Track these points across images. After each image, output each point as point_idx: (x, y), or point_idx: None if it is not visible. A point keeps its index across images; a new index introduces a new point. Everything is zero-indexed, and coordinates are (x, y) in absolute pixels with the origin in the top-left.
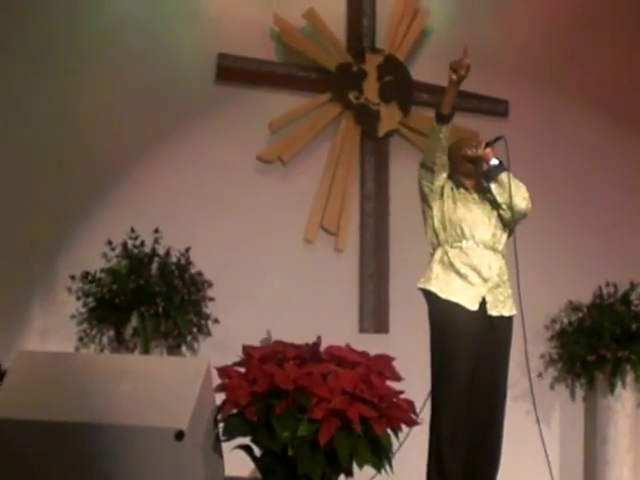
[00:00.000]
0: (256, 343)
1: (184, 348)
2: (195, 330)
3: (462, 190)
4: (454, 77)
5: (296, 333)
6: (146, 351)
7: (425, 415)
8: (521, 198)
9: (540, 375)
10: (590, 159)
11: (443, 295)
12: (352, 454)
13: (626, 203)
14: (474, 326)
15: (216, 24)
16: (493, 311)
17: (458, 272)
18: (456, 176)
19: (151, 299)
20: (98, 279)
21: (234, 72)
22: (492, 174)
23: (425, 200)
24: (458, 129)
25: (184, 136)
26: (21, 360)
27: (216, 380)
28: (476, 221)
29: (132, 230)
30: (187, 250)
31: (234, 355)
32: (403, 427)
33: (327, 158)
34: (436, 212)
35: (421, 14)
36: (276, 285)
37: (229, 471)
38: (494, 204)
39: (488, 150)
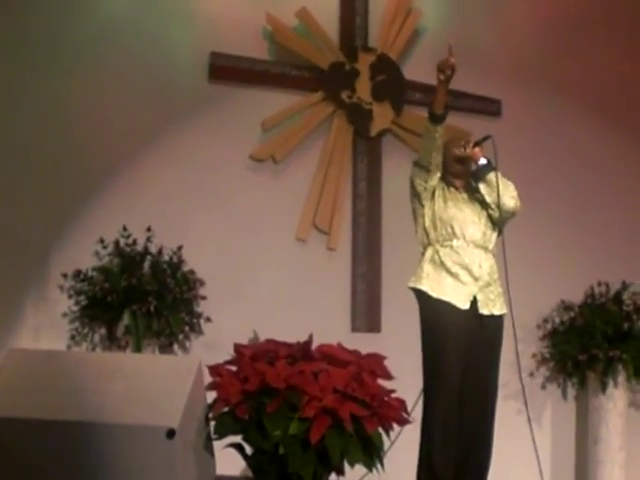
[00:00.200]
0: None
1: (176, 347)
2: (187, 329)
3: (452, 189)
4: (441, 77)
5: (288, 332)
6: (138, 349)
7: (417, 414)
8: (509, 197)
9: (532, 374)
10: (583, 158)
11: (434, 294)
12: (343, 453)
13: (618, 203)
14: (465, 325)
15: (209, 23)
16: (484, 310)
17: (449, 271)
18: (446, 176)
19: (143, 297)
20: (90, 277)
21: (227, 71)
22: (480, 174)
23: (417, 199)
24: (451, 128)
25: (177, 135)
26: (12, 358)
27: (208, 378)
28: (466, 220)
29: (124, 228)
30: (179, 248)
31: (226, 354)
32: (394, 426)
33: (320, 157)
34: (427, 211)
35: (414, 13)
36: (268, 284)
37: (220, 469)
38: (483, 204)
39: (476, 150)
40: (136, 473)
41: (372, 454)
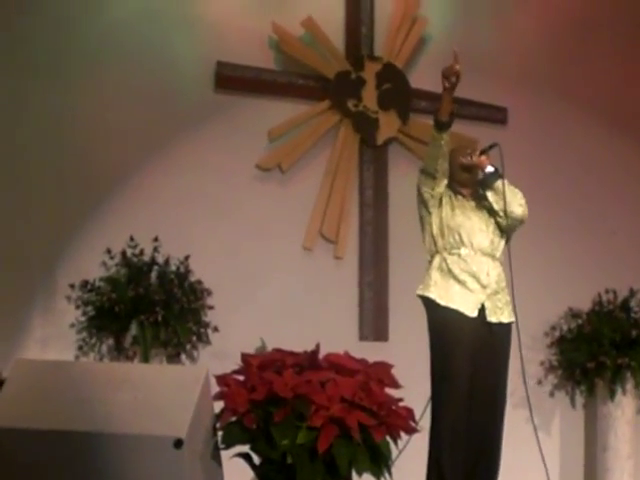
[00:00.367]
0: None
1: (183, 356)
2: (194, 338)
3: (460, 197)
4: (446, 84)
5: (295, 341)
6: (145, 360)
7: (425, 422)
8: (517, 205)
9: (540, 382)
10: (589, 166)
11: (442, 302)
12: (351, 462)
13: (625, 210)
14: (473, 332)
15: (215, 32)
16: (492, 317)
17: (457, 279)
18: (452, 184)
19: (150, 308)
20: (97, 288)
21: (233, 80)
22: (488, 181)
23: (424, 206)
24: (457, 136)
25: (183, 144)
26: (19, 369)
27: (215, 388)
28: (474, 228)
29: (131, 239)
30: (186, 258)
31: (233, 363)
32: (402, 435)
33: (326, 166)
34: (434, 219)
35: (419, 22)
36: (275, 293)
37: (228, 479)
38: (491, 211)
39: (483, 158)
40: None
41: (380, 463)
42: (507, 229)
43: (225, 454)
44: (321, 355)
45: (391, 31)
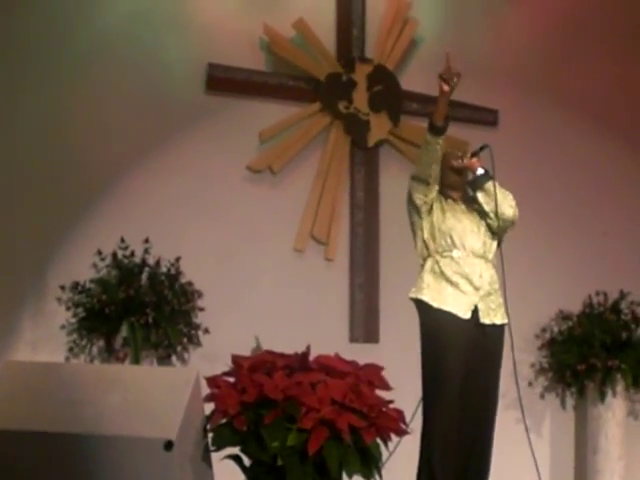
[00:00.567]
0: (247, 353)
1: (174, 358)
2: (185, 340)
3: (450, 201)
4: (446, 88)
5: (286, 343)
6: (136, 361)
7: (415, 424)
8: (508, 206)
9: (530, 384)
10: (580, 168)
11: (435, 304)
12: (341, 464)
13: (616, 212)
14: (466, 334)
15: (206, 34)
16: (485, 319)
17: (449, 281)
18: (442, 188)
19: (141, 309)
20: (88, 289)
21: (224, 82)
22: (478, 183)
23: (416, 212)
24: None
25: (174, 146)
26: (9, 370)
27: (205, 390)
28: (465, 230)
29: (122, 240)
30: (177, 260)
31: (224, 365)
32: (393, 437)
33: (317, 168)
34: (425, 224)
35: (411, 24)
36: (266, 295)
37: None
38: (482, 213)
39: (474, 160)
40: None
41: (370, 465)
42: (498, 231)
43: (215, 456)
44: (312, 357)
45: (382, 33)
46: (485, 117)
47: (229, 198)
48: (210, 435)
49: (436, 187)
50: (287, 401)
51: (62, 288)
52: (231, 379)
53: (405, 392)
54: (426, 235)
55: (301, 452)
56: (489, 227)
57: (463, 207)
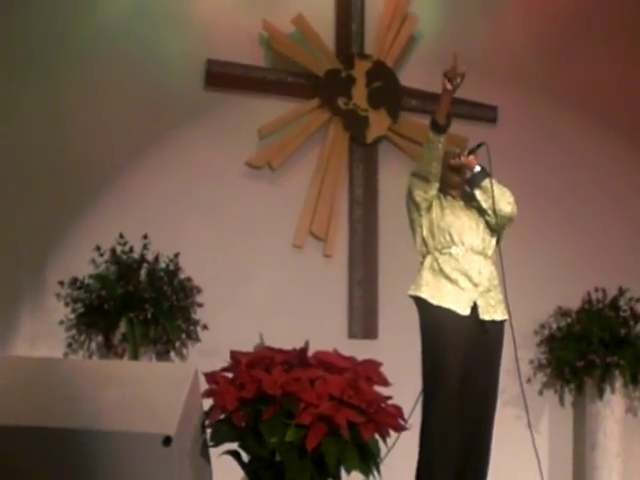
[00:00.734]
0: (245, 349)
1: (173, 354)
2: (184, 336)
3: (449, 198)
4: (449, 86)
5: (285, 339)
6: (135, 357)
7: (413, 420)
8: (506, 203)
9: (529, 380)
10: (579, 164)
11: (434, 301)
12: (340, 459)
13: (615, 208)
14: (466, 331)
15: (205, 30)
16: (485, 315)
17: (448, 277)
18: (441, 185)
19: (140, 305)
20: (87, 285)
21: (223, 78)
22: (476, 181)
23: (416, 209)
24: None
25: (173, 142)
26: (7, 365)
27: (204, 386)
28: (464, 227)
29: (121, 236)
30: (176, 256)
31: (223, 361)
32: (391, 432)
33: (316, 164)
34: (424, 221)
35: (410, 20)
36: (265, 291)
37: (217, 477)
38: (481, 211)
39: (471, 157)
40: None
41: (369, 461)
42: (497, 228)
43: (214, 451)
44: (310, 353)
45: (381, 29)
46: (484, 114)
47: (228, 194)
48: (209, 431)
49: (436, 184)
50: (285, 397)
51: (61, 284)
52: (230, 375)
53: (404, 388)
54: (425, 232)
55: (299, 448)
56: (488, 224)
57: (462, 204)
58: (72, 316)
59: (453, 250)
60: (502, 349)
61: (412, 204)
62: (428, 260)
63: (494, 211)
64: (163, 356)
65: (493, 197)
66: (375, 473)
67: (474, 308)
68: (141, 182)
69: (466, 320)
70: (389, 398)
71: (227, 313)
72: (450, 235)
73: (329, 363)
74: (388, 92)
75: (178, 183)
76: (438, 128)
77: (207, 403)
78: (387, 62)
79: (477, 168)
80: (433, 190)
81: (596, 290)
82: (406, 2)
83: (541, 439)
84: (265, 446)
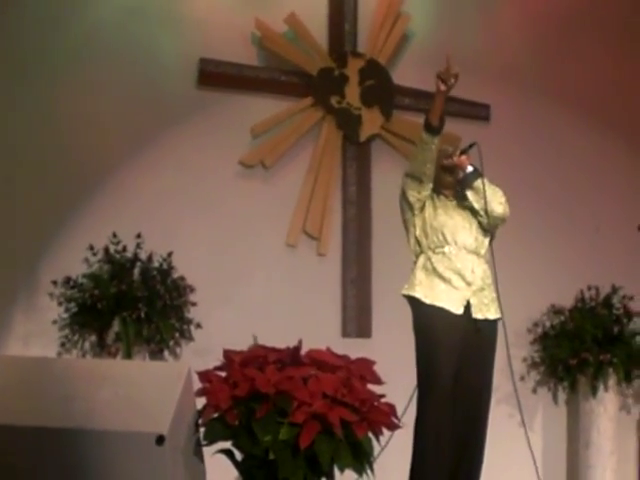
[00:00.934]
0: (239, 347)
1: (166, 353)
2: (177, 335)
3: (442, 197)
4: (443, 87)
5: (278, 337)
6: (128, 356)
7: (407, 419)
8: (497, 203)
9: (522, 379)
10: (572, 162)
11: (427, 300)
12: (333, 458)
13: (608, 207)
14: (459, 330)
15: (198, 29)
16: (478, 314)
17: (441, 276)
18: (434, 185)
19: (133, 304)
20: (80, 284)
21: (216, 77)
22: (468, 181)
23: (409, 209)
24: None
25: (166, 141)
26: (0, 365)
27: (197, 384)
28: (457, 226)
29: (114, 235)
30: (169, 255)
31: (216, 360)
32: (385, 431)
33: (309, 163)
34: (417, 221)
35: (403, 18)
36: (258, 290)
37: (210, 476)
38: (473, 210)
39: (463, 158)
40: None
41: (362, 459)
42: (489, 228)
43: (207, 450)
44: (303, 351)
45: (374, 28)
46: (477, 112)
47: (221, 193)
48: (202, 429)
49: (430, 185)
50: (279, 395)
51: (54, 283)
52: (223, 373)
53: (397, 386)
54: (418, 232)
55: (293, 446)
56: (481, 223)
57: (455, 203)
58: (65, 315)
59: (446, 249)
60: (495, 348)
61: (406, 204)
62: (421, 259)
63: (486, 212)
64: (156, 355)
65: (485, 198)
66: (368, 472)
67: (467, 307)
68: (134, 181)
69: (459, 319)
70: (382, 396)
71: (220, 312)
72: (443, 234)
73: (322, 362)
74: (381, 90)
75: (171, 182)
76: (432, 129)
77: (200, 402)
78: (380, 60)
79: (469, 168)
80: (427, 190)
81: (589, 288)
82: (399, 1)
83: (535, 437)
84: (258, 445)
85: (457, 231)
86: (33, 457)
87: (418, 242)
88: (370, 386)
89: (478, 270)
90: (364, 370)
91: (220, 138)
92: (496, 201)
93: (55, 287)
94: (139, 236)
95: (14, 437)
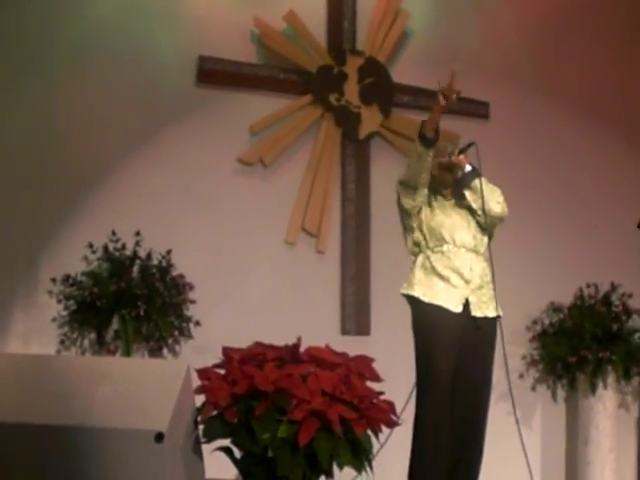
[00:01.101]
0: (238, 345)
1: (165, 351)
2: (176, 333)
3: (439, 197)
4: (443, 102)
5: (277, 335)
6: (127, 354)
7: (406, 416)
8: (495, 202)
9: (521, 376)
10: (571, 160)
11: (426, 299)
12: (332, 455)
13: (607, 204)
14: (458, 328)
15: (197, 27)
16: (477, 312)
17: (440, 275)
18: (431, 185)
19: (132, 302)
20: (79, 282)
21: (215, 74)
22: (466, 180)
23: (406, 214)
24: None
25: (165, 139)
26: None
27: (196, 382)
28: (455, 225)
29: (113, 233)
30: (168, 252)
31: (216, 357)
32: (384, 428)
33: (308, 160)
34: (415, 222)
35: (402, 16)
36: (257, 287)
37: (209, 473)
38: (471, 209)
39: (462, 157)
40: (125, 477)
41: (361, 457)
42: (487, 227)
43: (206, 448)
44: (302, 349)
45: (373, 25)
46: (476, 110)
47: (220, 191)
48: (201, 427)
49: (425, 191)
50: (278, 393)
51: (53, 281)
52: (222, 371)
53: (396, 384)
54: (416, 233)
55: (292, 444)
56: (479, 222)
57: (452, 202)
58: (65, 313)
59: (445, 248)
60: (495, 345)
61: (401, 210)
62: (420, 259)
63: (483, 211)
64: (155, 353)
65: (482, 198)
66: (367, 469)
67: (466, 305)
68: (133, 179)
69: (458, 317)
70: (381, 394)
71: (219, 309)
72: (441, 234)
73: (321, 359)
74: (380, 88)
75: (170, 180)
76: (426, 141)
77: (199, 399)
78: (379, 58)
79: (468, 168)
80: (422, 197)
81: (588, 286)
82: None
83: (534, 435)
84: (257, 442)
85: (455, 230)
86: (33, 455)
87: (416, 242)
88: (369, 383)
89: (477, 268)
90: (363, 367)
91: (219, 136)
92: (494, 200)
93: (54, 285)
94: (138, 234)
95: (13, 435)
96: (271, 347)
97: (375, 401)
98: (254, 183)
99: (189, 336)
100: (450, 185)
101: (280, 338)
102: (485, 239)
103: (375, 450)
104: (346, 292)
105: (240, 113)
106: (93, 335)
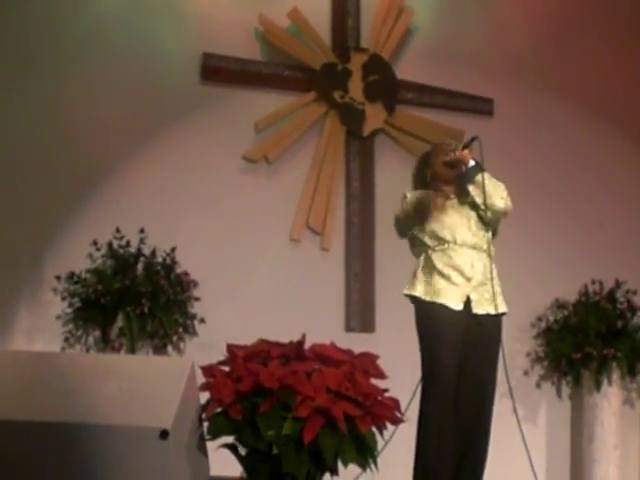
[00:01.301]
0: (242, 342)
1: (170, 348)
2: (181, 330)
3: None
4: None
5: (282, 332)
6: (132, 351)
7: (410, 413)
8: (499, 197)
9: (526, 373)
10: (576, 157)
11: (427, 298)
12: (337, 452)
13: (612, 201)
14: (460, 326)
15: (201, 24)
16: (479, 309)
17: (441, 273)
18: (435, 183)
19: (137, 299)
20: (84, 279)
21: (219, 72)
22: (470, 176)
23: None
24: (442, 127)
25: (169, 136)
26: (3, 360)
27: (201, 379)
28: (455, 224)
29: (117, 230)
30: (173, 250)
31: (220, 355)
32: (388, 425)
33: (312, 157)
34: (415, 230)
35: (406, 13)
36: (262, 284)
37: (214, 470)
38: (473, 205)
39: (465, 152)
40: (129, 474)
41: (366, 454)
42: (490, 222)
43: (211, 445)
44: (307, 346)
45: (377, 22)
46: (480, 106)
47: (225, 188)
48: (205, 424)
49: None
50: (282, 390)
51: (58, 278)
52: (226, 368)
53: (400, 381)
54: (418, 237)
55: (297, 441)
56: (482, 218)
57: (453, 201)
58: (69, 310)
59: (446, 246)
60: (499, 343)
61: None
62: (422, 259)
63: (486, 206)
64: (160, 350)
65: (484, 192)
66: (372, 466)
67: (468, 303)
68: (138, 176)
69: (460, 315)
70: (386, 391)
71: (224, 307)
72: (442, 234)
73: (326, 356)
74: (384, 85)
75: (175, 177)
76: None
77: (204, 397)
78: (383, 55)
79: (471, 163)
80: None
81: (593, 282)
82: None
83: (538, 432)
84: (262, 439)
85: (456, 228)
86: (36, 452)
87: (417, 244)
88: (374, 380)
89: (478, 265)
90: (368, 364)
91: (223, 133)
92: (498, 195)
93: (59, 282)
94: (142, 231)
95: (18, 432)
96: (276, 344)
97: (380, 398)
98: (258, 180)
99: (193, 333)
100: (452, 181)
101: (285, 335)
102: (487, 235)
103: (380, 447)
104: (351, 289)
105: (244, 110)
106: (97, 332)
